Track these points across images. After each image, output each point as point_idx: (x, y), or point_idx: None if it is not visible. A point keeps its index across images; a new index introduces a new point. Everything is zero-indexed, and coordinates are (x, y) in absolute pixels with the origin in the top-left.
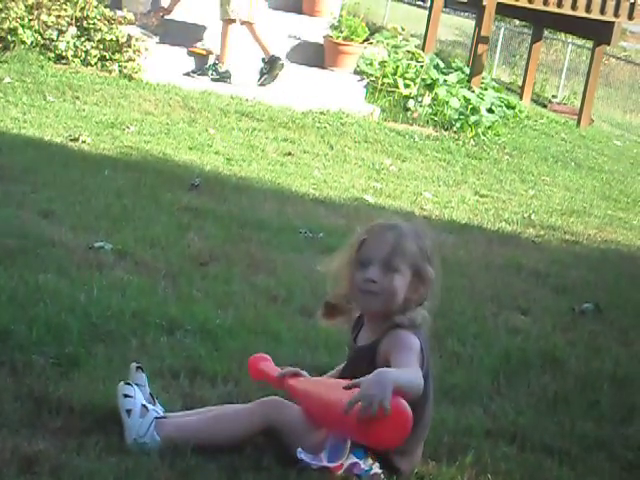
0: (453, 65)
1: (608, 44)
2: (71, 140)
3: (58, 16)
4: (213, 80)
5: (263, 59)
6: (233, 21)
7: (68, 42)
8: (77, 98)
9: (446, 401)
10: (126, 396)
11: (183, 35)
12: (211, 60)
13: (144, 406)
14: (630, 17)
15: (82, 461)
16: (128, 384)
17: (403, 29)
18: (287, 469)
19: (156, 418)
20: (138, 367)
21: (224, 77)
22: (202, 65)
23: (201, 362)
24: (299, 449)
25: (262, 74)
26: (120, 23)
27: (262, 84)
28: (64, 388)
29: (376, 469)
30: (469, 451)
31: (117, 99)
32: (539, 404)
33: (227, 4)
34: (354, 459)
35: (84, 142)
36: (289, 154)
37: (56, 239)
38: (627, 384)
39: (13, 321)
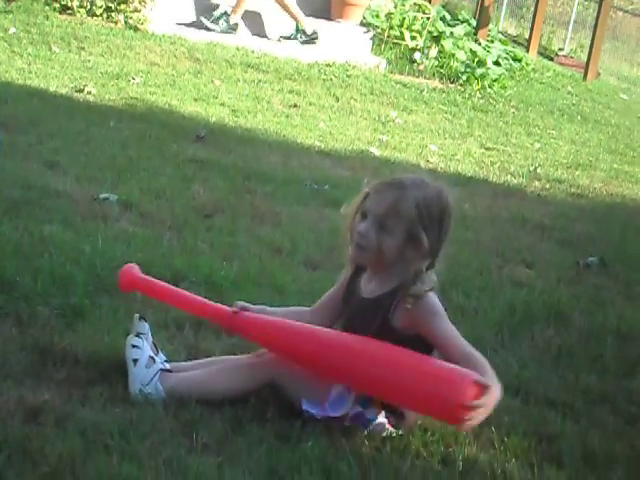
0: (460, 17)
1: None
2: (76, 91)
3: None
4: (221, 31)
5: (298, 29)
6: None
7: None
8: (82, 49)
9: None
10: (134, 346)
11: None
12: (222, 9)
13: (151, 357)
14: None
15: (87, 412)
16: (137, 337)
17: None
18: (291, 420)
19: (161, 370)
20: (141, 317)
21: (313, 39)
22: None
23: None
24: (303, 400)
25: (291, 38)
26: None
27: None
28: (69, 339)
29: (381, 418)
30: None
31: (122, 50)
32: (543, 357)
33: None
34: (358, 409)
35: (89, 93)
36: (295, 106)
37: (61, 190)
38: (631, 338)
39: (18, 272)
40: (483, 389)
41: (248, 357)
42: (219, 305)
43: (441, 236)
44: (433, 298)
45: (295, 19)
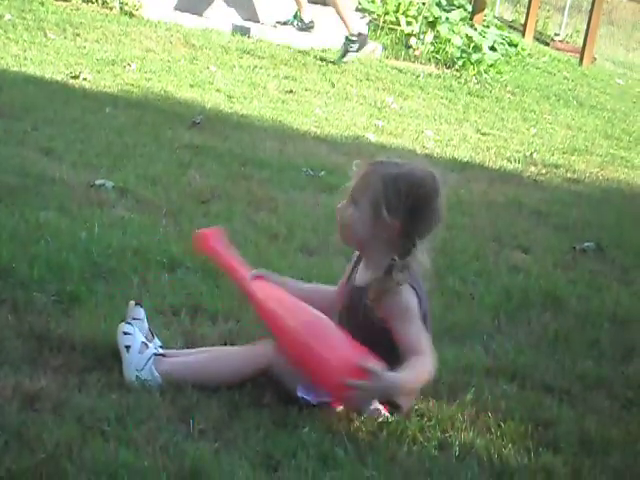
0: (455, 2)
1: None
2: (72, 77)
3: None
4: (299, 30)
5: (347, 37)
6: None
7: None
8: (78, 35)
9: (446, 339)
10: (125, 333)
11: None
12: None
13: (144, 343)
14: None
15: (83, 398)
16: (128, 323)
17: None
18: (288, 406)
19: (155, 355)
20: (137, 303)
21: (309, 27)
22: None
23: (202, 300)
24: (299, 386)
25: (345, 51)
26: None
27: (345, 61)
28: (65, 325)
29: (376, 404)
30: (469, 389)
31: (118, 36)
32: (539, 342)
33: None
34: None
35: (85, 79)
36: (290, 92)
37: (57, 177)
38: (627, 323)
39: (14, 259)
40: (367, 374)
41: (247, 346)
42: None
43: (416, 220)
44: (403, 295)
45: (299, 5)
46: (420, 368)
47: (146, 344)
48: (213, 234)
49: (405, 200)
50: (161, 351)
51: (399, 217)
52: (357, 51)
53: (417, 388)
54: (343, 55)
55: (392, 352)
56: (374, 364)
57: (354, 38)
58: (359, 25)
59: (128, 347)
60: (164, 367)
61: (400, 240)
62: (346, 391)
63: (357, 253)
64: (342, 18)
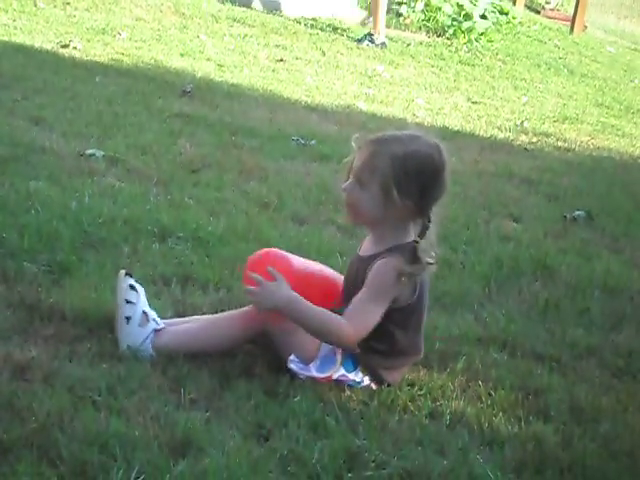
0: None
1: None
2: (62, 47)
3: None
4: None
5: (370, 33)
6: None
7: None
8: (68, 4)
9: (437, 308)
10: (128, 302)
11: None
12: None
13: (144, 314)
14: None
15: (74, 368)
16: (132, 288)
17: None
18: (279, 376)
19: (155, 330)
20: (127, 273)
21: (381, 48)
22: None
23: (193, 269)
24: (290, 357)
25: (363, 40)
26: None
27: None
28: (56, 295)
29: (367, 381)
30: (460, 358)
31: (108, 5)
32: (530, 311)
33: None
34: (343, 372)
35: (75, 48)
36: (281, 60)
37: (47, 146)
38: (617, 292)
39: (4, 229)
40: (271, 279)
41: (241, 309)
42: None
43: (427, 197)
44: (387, 269)
45: (375, 24)
46: (336, 325)
47: (146, 315)
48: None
49: (415, 180)
50: (161, 325)
51: (411, 197)
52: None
53: (318, 336)
54: (359, 41)
55: (383, 325)
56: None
57: (374, 37)
58: (383, 35)
59: (129, 318)
60: (162, 340)
61: (413, 218)
62: (248, 283)
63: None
64: (375, 18)
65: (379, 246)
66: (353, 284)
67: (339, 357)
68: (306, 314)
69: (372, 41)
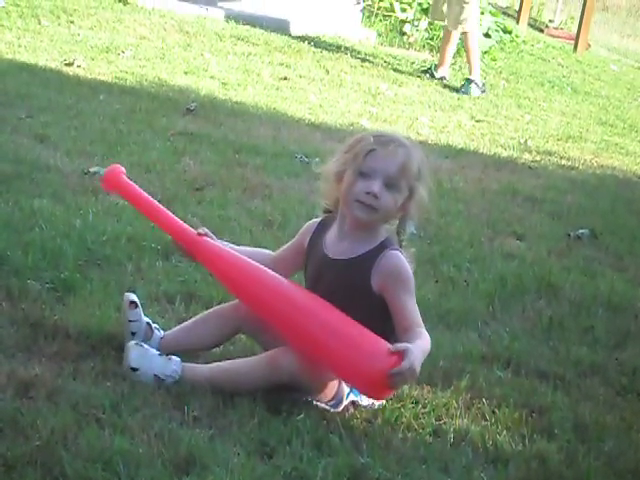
0: None
1: None
2: (66, 65)
3: None
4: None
5: (468, 79)
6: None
7: None
8: (72, 22)
9: (441, 326)
10: (131, 321)
11: None
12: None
13: (148, 324)
14: None
15: (78, 385)
16: (133, 303)
17: None
18: (282, 393)
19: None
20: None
21: (482, 91)
22: None
23: (196, 287)
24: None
25: (463, 89)
26: None
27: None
28: (60, 313)
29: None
30: (464, 375)
31: (112, 23)
32: (534, 329)
33: (460, 13)
34: (353, 397)
35: (79, 67)
36: (285, 78)
37: (51, 164)
38: (621, 309)
39: (8, 246)
40: (400, 356)
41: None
42: (186, 225)
43: (414, 191)
44: (406, 265)
45: (441, 60)
46: (426, 339)
47: (150, 326)
48: (120, 171)
49: (425, 173)
50: (161, 332)
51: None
52: (480, 92)
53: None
54: (458, 90)
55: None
56: (401, 344)
57: (476, 85)
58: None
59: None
60: (186, 377)
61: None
62: (391, 381)
63: (315, 221)
64: (470, 63)
65: (363, 246)
66: (335, 286)
67: (347, 389)
68: (424, 352)
69: (432, 74)
